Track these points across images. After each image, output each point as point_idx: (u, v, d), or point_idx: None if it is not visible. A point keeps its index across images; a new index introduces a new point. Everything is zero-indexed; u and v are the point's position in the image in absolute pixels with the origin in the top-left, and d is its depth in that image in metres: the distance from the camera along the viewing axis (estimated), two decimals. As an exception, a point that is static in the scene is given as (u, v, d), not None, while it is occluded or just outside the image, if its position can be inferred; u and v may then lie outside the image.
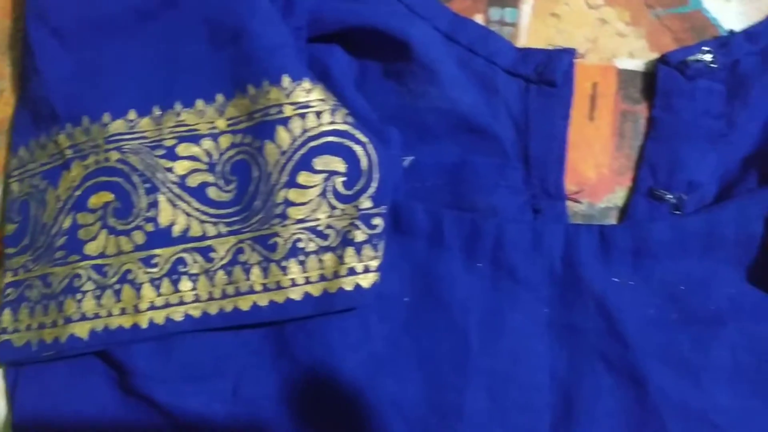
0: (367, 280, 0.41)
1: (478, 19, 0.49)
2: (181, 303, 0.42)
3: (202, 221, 0.42)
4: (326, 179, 0.41)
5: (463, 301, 0.43)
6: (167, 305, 0.42)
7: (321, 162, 0.41)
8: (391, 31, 0.46)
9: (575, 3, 0.49)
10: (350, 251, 0.41)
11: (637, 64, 0.48)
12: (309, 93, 0.41)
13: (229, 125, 0.42)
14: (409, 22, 0.46)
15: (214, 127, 0.42)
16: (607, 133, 0.47)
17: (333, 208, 0.41)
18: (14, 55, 0.50)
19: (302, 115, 0.41)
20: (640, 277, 0.43)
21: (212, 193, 0.42)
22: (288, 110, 0.41)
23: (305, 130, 0.41)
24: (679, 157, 0.46)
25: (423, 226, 0.43)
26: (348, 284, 0.41)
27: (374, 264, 0.41)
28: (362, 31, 0.46)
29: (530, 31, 0.49)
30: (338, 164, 0.41)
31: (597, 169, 0.47)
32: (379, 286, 0.41)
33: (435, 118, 0.46)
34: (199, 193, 0.42)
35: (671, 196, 0.45)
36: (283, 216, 0.41)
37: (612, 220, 0.46)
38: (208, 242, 0.42)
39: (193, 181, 0.42)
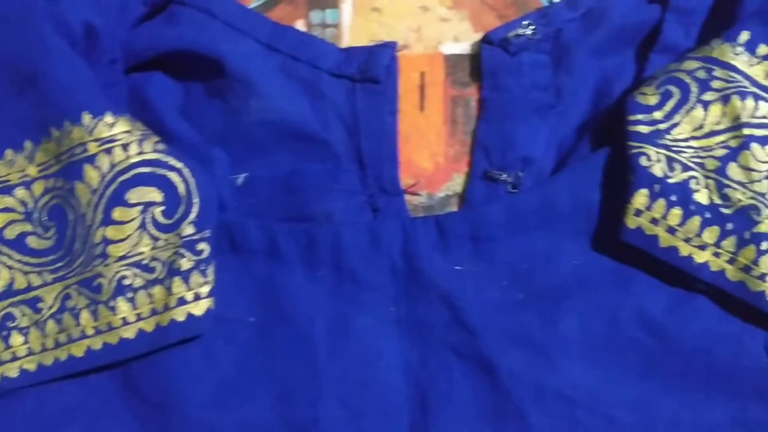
0: (199, 308, 0.40)
1: (300, 24, 0.48)
2: (15, 359, 0.41)
3: (26, 272, 0.41)
4: (143, 211, 0.40)
5: (308, 311, 0.42)
6: (0, 363, 0.41)
7: (135, 195, 0.40)
8: (201, 50, 0.45)
9: (395, -6, 0.49)
10: (178, 281, 0.40)
11: (462, 47, 0.48)
12: (112, 127, 0.41)
13: (40, 171, 0.41)
14: (223, 38, 0.46)
15: (26, 175, 0.41)
16: (439, 122, 0.47)
17: (155, 239, 0.40)
18: None
19: (108, 151, 0.40)
20: (481, 261, 0.42)
21: (32, 242, 0.41)
22: (92, 147, 0.40)
23: (113, 165, 0.40)
24: (510, 135, 0.45)
25: (258, 243, 0.43)
26: (180, 315, 0.40)
27: (205, 290, 0.40)
28: (178, 54, 0.46)
29: (353, 29, 0.48)
30: (154, 194, 0.41)
31: (433, 158, 0.46)
32: (214, 312, 0.41)
33: (262, 131, 0.45)
34: (18, 244, 0.41)
35: (506, 176, 0.45)
36: (104, 255, 0.40)
37: (453, 207, 0.46)
38: (34, 293, 0.41)
39: (11, 233, 0.41)
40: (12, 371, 0.41)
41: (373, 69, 0.46)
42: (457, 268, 0.42)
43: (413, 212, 0.46)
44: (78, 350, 0.40)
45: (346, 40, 0.48)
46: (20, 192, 0.41)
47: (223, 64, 0.44)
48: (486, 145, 0.46)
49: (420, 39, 0.48)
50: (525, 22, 0.46)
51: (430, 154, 0.46)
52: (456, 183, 0.46)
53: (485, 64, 0.46)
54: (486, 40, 0.47)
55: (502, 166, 0.45)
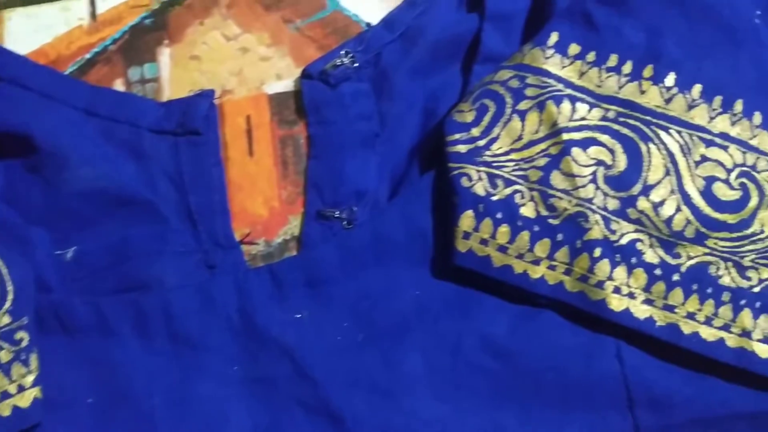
0: (24, 400, 0.39)
1: (119, 83, 0.47)
2: None
3: None
4: (-46, 308, 0.39)
5: (145, 385, 0.40)
6: None
7: (-57, 293, 0.39)
8: (11, 127, 0.43)
9: (213, 39, 0.47)
10: (-2, 375, 0.39)
11: (286, 84, 0.46)
12: None
13: None
14: (34, 111, 0.44)
15: None
16: (269, 165, 0.45)
17: (-29, 335, 0.39)
18: None
19: None
20: (320, 306, 0.41)
21: None
22: None
23: None
24: (340, 169, 0.44)
25: (87, 320, 0.41)
26: (5, 410, 0.38)
27: (29, 380, 0.39)
28: (-9, 133, 0.44)
29: (173, 81, 0.47)
30: (-37, 289, 0.39)
31: (267, 204, 0.45)
32: (49, 398, 0.39)
33: (85, 201, 0.43)
34: None
35: (340, 213, 0.43)
36: None
37: (292, 252, 0.44)
38: None
39: None
40: None
41: (192, 120, 0.44)
42: (297, 316, 0.41)
43: (253, 262, 0.44)
44: None
45: (168, 93, 0.47)
46: None
47: (34, 139, 0.43)
48: (317, 183, 0.44)
49: (242, 82, 0.46)
50: (343, 51, 0.45)
51: (264, 200, 0.45)
52: (293, 226, 0.44)
53: (307, 100, 0.45)
54: (306, 75, 0.45)
55: (335, 202, 0.43)
